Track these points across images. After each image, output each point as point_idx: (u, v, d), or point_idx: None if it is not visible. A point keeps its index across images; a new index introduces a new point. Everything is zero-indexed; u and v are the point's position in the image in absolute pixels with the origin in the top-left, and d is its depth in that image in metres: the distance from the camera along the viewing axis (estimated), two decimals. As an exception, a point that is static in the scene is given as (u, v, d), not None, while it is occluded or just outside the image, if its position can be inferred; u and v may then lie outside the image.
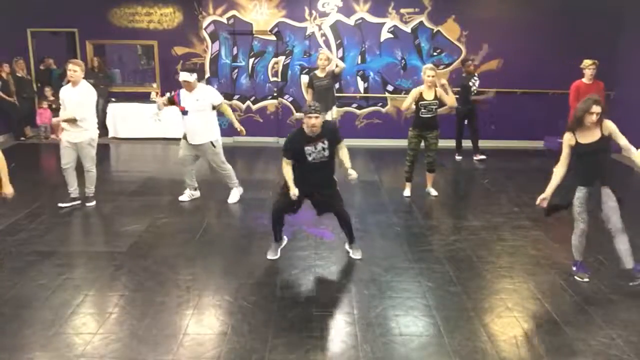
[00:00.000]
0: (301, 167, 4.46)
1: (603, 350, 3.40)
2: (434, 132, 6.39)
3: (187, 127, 6.02)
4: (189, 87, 5.86)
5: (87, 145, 5.94)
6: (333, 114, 7.33)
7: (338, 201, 4.64)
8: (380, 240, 5.26)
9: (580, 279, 4.32)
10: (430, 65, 6.50)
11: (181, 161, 6.25)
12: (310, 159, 4.41)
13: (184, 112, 5.96)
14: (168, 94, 6.29)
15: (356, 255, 4.76)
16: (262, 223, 5.68)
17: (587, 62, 7.57)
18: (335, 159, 4.60)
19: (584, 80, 7.62)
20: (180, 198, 6.30)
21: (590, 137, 4.14)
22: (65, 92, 5.92)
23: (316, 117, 4.27)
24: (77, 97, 5.78)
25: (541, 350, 3.39)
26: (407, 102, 6.32)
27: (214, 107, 5.99)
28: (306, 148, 4.38)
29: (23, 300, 3.93)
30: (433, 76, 6.17)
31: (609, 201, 4.14)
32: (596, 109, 4.01)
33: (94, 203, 6.14)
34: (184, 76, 5.79)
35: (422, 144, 6.48)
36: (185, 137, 6.11)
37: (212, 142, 6.00)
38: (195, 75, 5.87)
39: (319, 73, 7.04)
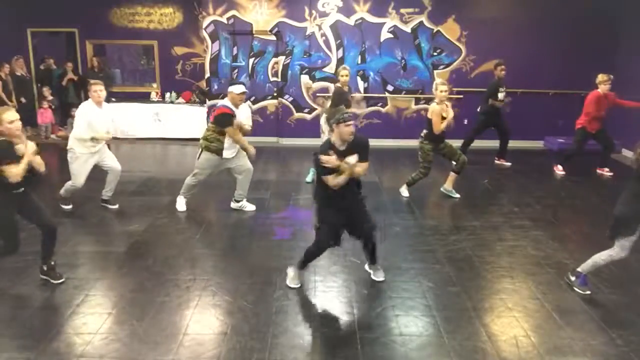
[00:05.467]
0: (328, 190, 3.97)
1: (603, 350, 3.40)
2: (445, 142, 6.45)
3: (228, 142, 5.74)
4: (243, 100, 5.72)
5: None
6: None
7: (367, 220, 4.15)
8: (380, 240, 5.25)
9: (582, 292, 4.15)
10: (441, 80, 6.44)
11: (202, 181, 5.99)
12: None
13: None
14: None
15: (379, 277, 4.34)
16: (262, 223, 5.68)
17: (603, 77, 7.52)
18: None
19: (600, 91, 7.57)
20: (179, 208, 6.06)
21: None
22: (93, 112, 5.65)
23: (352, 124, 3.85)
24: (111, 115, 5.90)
25: (541, 350, 3.39)
26: (439, 125, 6.18)
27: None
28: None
29: (23, 300, 3.93)
30: (446, 91, 6.16)
31: None
32: None
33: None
34: (242, 88, 5.64)
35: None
36: (220, 154, 5.75)
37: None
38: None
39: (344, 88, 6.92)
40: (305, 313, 3.84)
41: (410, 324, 3.69)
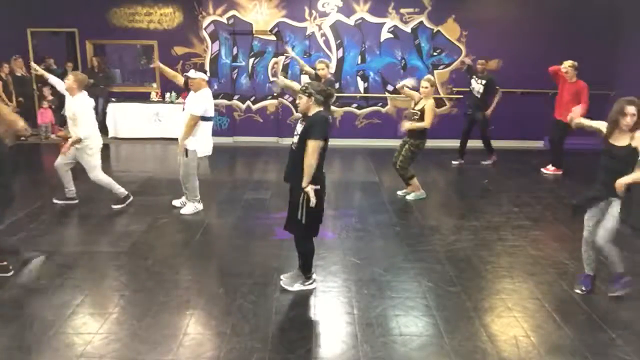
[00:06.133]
0: None
1: (603, 350, 3.40)
2: (410, 140, 6.42)
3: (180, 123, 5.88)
4: (192, 85, 5.70)
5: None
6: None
7: (291, 217, 3.92)
8: (380, 240, 5.26)
9: (579, 291, 4.15)
10: (428, 76, 6.54)
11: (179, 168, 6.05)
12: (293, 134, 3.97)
13: (183, 109, 5.92)
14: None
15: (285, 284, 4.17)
16: (262, 223, 5.68)
17: (565, 63, 7.59)
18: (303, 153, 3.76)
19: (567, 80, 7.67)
20: (174, 202, 6.15)
21: (619, 140, 3.80)
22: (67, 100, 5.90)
23: (299, 97, 3.86)
24: (73, 108, 5.74)
25: (541, 350, 3.39)
26: (407, 88, 6.57)
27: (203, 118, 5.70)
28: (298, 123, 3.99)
29: (23, 301, 3.93)
30: (426, 87, 6.26)
31: (608, 219, 3.88)
32: (630, 109, 3.68)
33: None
34: (189, 72, 5.77)
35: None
36: None
37: (186, 150, 5.74)
38: (199, 75, 5.75)
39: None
40: (305, 313, 3.84)
41: (410, 324, 3.69)
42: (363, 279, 4.35)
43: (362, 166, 8.60)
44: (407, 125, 6.36)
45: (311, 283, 4.16)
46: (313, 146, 3.67)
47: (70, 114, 5.75)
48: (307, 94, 3.82)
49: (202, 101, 5.67)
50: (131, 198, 6.16)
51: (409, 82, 6.62)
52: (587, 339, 3.52)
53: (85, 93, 5.82)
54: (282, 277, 4.21)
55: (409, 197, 6.60)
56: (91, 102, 5.89)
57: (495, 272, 4.57)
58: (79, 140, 5.71)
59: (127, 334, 3.50)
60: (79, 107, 5.71)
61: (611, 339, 3.51)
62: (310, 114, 3.85)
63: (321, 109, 3.86)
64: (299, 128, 3.87)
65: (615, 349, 3.41)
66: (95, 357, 3.25)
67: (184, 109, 5.93)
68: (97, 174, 5.95)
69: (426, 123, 6.23)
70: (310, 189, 3.70)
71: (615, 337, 3.54)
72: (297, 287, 4.13)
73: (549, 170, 8.09)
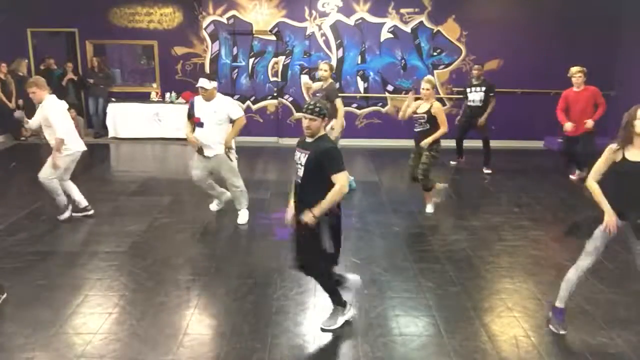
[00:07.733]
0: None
1: (603, 350, 3.40)
2: (426, 149, 5.81)
3: (201, 140, 5.38)
4: (206, 95, 5.32)
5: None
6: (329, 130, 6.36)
7: (309, 250, 3.46)
8: (380, 240, 5.26)
9: (555, 330, 3.59)
10: (428, 77, 6.15)
11: (197, 182, 5.68)
12: (296, 165, 3.48)
13: (199, 124, 5.36)
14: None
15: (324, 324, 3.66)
16: (262, 223, 5.68)
17: (572, 69, 7.22)
18: (316, 186, 3.34)
19: (574, 88, 7.27)
20: (211, 207, 5.99)
21: (634, 155, 3.33)
22: None
23: (311, 120, 3.34)
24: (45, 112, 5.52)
25: (541, 350, 3.39)
26: (403, 106, 6.06)
27: (231, 121, 5.40)
28: (296, 151, 3.50)
29: (23, 300, 3.93)
30: (427, 89, 5.80)
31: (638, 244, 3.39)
32: None
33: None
34: (201, 82, 5.26)
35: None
36: (200, 152, 5.47)
37: (227, 154, 5.47)
38: (214, 84, 5.34)
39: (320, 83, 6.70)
40: (305, 313, 3.84)
41: (410, 324, 3.69)
42: (363, 279, 4.33)
43: (362, 166, 8.60)
44: (428, 140, 5.72)
45: (350, 309, 3.71)
46: (342, 179, 3.29)
47: (43, 120, 5.50)
48: (322, 115, 3.35)
49: (235, 103, 5.65)
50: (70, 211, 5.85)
51: (411, 94, 6.23)
52: (587, 339, 3.52)
53: (53, 96, 5.65)
54: (321, 325, 3.63)
55: (429, 210, 6.16)
56: (61, 105, 5.66)
57: (495, 272, 4.57)
58: (61, 141, 5.48)
59: (127, 334, 3.50)
60: (48, 109, 5.46)
61: (611, 339, 3.51)
62: (317, 135, 3.41)
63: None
64: (302, 158, 3.39)
65: (615, 349, 3.41)
66: (95, 357, 3.25)
67: (201, 123, 5.34)
68: (43, 177, 5.63)
69: (443, 128, 5.72)
70: (312, 220, 3.28)
71: (615, 337, 3.54)
72: (341, 320, 3.64)
73: (575, 175, 7.67)
